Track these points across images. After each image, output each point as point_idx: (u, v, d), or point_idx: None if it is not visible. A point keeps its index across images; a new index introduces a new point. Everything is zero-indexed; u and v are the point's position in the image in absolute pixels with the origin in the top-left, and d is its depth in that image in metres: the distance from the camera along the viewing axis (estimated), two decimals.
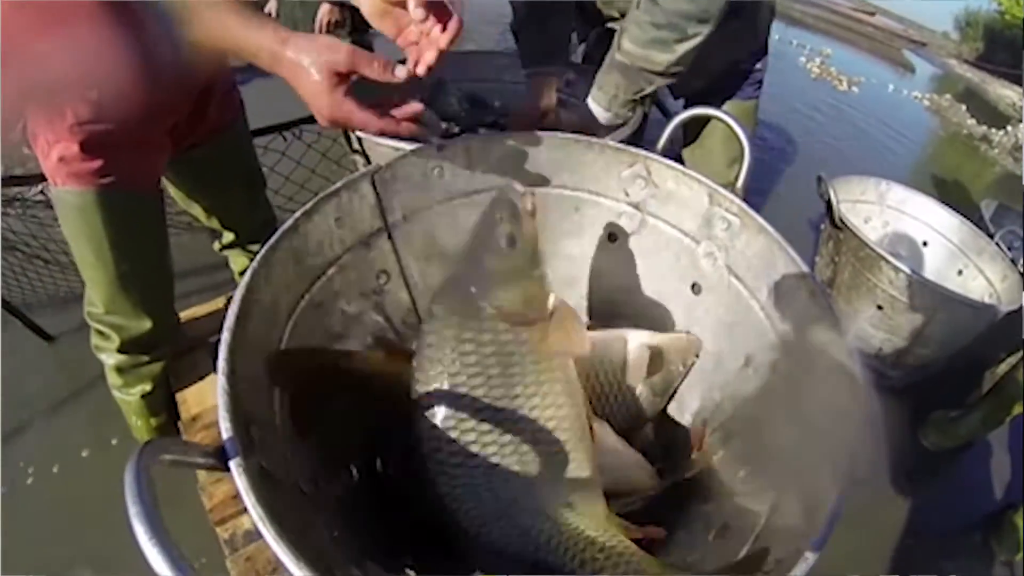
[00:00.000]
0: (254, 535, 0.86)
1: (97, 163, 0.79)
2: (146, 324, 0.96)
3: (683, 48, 0.99)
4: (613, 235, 0.77)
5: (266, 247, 0.56)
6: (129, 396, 1.05)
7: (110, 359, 1.00)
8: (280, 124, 1.40)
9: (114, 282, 0.89)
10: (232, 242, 1.19)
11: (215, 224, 1.14)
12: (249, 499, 0.40)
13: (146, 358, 1.01)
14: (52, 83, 0.67)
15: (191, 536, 0.97)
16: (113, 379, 1.04)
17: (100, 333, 0.98)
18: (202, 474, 0.93)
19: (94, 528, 1.07)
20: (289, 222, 0.59)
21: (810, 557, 0.42)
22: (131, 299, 0.92)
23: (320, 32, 1.89)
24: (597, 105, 1.07)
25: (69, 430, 1.27)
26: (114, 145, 0.79)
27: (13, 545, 1.04)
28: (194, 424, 1.01)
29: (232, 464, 0.42)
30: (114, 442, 1.22)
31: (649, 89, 1.05)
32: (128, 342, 0.97)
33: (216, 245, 1.22)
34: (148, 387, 1.04)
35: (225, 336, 0.48)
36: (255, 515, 0.39)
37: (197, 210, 1.11)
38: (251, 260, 0.60)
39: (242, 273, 1.22)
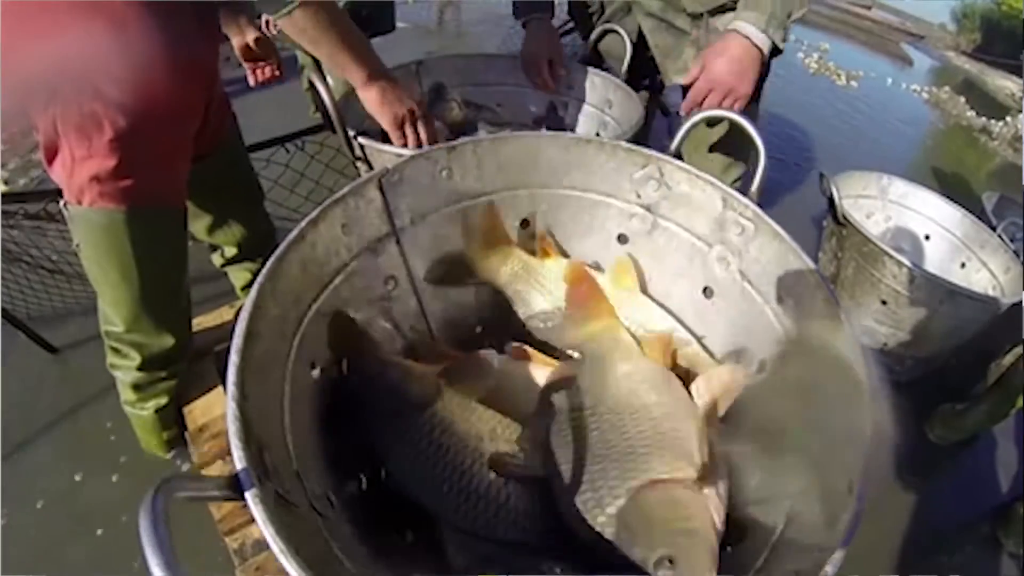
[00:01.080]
0: (263, 544, 0.86)
1: (131, 180, 0.76)
2: (168, 341, 0.93)
3: None
4: (624, 237, 0.76)
5: (272, 259, 0.54)
6: (143, 411, 1.03)
7: (127, 376, 0.97)
8: (283, 136, 1.38)
9: (139, 301, 0.86)
10: (234, 257, 1.16)
11: (217, 239, 1.12)
12: (268, 531, 0.39)
13: (164, 374, 0.98)
14: (64, 74, 0.66)
15: (199, 546, 0.96)
16: (127, 395, 1.01)
17: (117, 351, 0.94)
18: None
19: (88, 558, 1.04)
20: (295, 232, 0.57)
21: (830, 571, 0.41)
22: (154, 317, 0.89)
23: None
24: (751, 25, 1.00)
25: (67, 450, 1.20)
26: (151, 157, 0.77)
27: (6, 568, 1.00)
28: (201, 434, 1.00)
29: (248, 496, 0.41)
30: (115, 479, 1.15)
31: (795, 15, 1.03)
32: (148, 360, 0.94)
33: (217, 260, 1.20)
34: (164, 401, 1.02)
35: (234, 358, 0.47)
36: (276, 548, 0.39)
37: (198, 225, 1.09)
38: (252, 274, 0.59)
39: (244, 287, 1.22)
